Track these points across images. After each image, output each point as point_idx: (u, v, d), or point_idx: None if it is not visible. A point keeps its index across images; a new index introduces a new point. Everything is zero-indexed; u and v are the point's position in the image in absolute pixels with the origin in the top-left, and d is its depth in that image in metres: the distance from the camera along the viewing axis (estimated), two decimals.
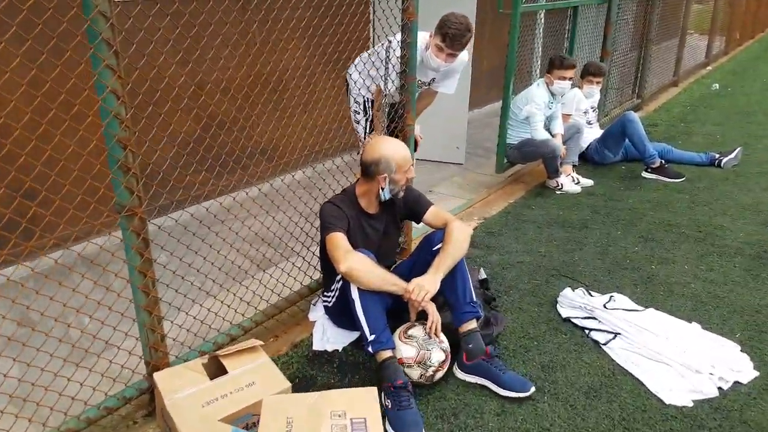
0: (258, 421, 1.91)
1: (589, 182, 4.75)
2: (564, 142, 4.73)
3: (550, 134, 4.68)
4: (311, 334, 2.69)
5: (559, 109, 4.77)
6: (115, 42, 1.78)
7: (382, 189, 2.50)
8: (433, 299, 2.53)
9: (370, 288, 2.29)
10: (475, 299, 2.51)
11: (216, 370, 2.16)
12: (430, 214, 2.64)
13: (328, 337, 2.65)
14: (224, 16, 3.49)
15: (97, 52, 1.76)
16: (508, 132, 4.65)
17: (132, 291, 2.05)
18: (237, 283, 2.61)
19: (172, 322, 2.25)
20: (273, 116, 4.22)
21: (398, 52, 3.08)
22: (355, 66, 3.49)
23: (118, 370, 2.11)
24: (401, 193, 2.56)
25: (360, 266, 2.27)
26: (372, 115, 3.52)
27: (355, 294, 2.31)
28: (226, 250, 2.53)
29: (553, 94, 4.56)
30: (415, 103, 3.76)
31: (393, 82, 3.19)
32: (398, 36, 3.06)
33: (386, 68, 3.15)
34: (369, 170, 2.49)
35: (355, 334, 2.63)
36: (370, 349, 2.30)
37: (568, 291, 3.00)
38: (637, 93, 7.20)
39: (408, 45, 3.03)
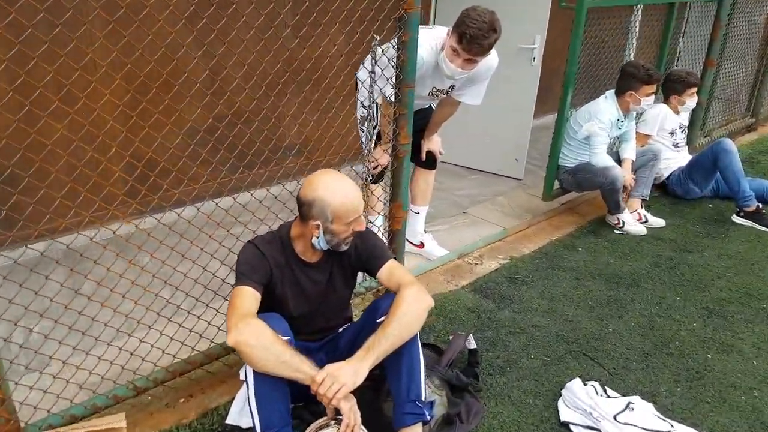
0: None
1: (659, 222, 3.86)
2: (634, 171, 3.87)
3: (618, 160, 3.83)
4: (233, 399, 2.17)
5: (633, 129, 3.90)
6: None
7: (316, 237, 1.91)
8: (376, 384, 1.95)
9: (266, 372, 1.72)
10: (423, 397, 1.88)
11: None
12: (384, 272, 2.01)
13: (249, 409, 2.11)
14: None
15: None
16: (563, 152, 3.85)
17: None
18: (142, 327, 2.12)
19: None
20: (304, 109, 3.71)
21: (390, 53, 2.44)
22: (364, 63, 2.89)
23: None
24: (344, 246, 1.95)
25: (253, 341, 1.69)
26: (378, 124, 2.91)
27: (250, 376, 1.76)
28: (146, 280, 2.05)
29: (625, 111, 3.71)
30: (434, 112, 3.14)
31: (381, 89, 2.55)
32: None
33: (372, 72, 2.51)
34: (302, 211, 1.90)
35: None
36: None
37: (577, 384, 2.27)
38: (752, 111, 6.00)
39: (404, 44, 2.39)
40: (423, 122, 3.09)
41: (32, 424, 1.83)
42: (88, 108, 2.27)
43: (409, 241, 3.42)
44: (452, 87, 2.90)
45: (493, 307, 2.88)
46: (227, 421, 2.08)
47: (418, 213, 3.36)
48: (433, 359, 2.34)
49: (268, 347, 1.69)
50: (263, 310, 1.97)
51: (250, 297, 1.82)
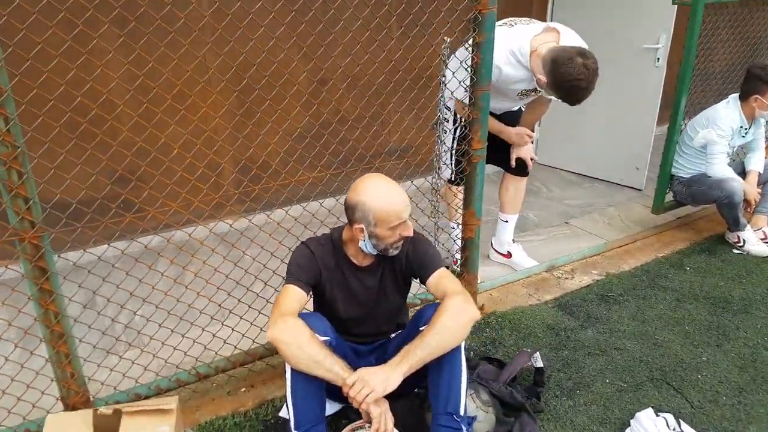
0: None
1: None
2: (762, 184, 3.44)
3: (742, 171, 3.43)
4: None
5: (762, 138, 3.47)
6: None
7: (362, 241, 1.91)
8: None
9: (300, 369, 1.75)
10: (461, 411, 1.81)
11: (112, 425, 1.85)
12: (433, 280, 1.96)
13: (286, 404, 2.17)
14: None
15: None
16: (677, 161, 3.52)
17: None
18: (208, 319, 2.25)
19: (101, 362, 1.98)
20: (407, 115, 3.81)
21: (462, 54, 2.38)
22: (449, 64, 2.84)
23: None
24: (393, 251, 1.94)
25: (288, 338, 1.73)
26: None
27: (288, 372, 1.80)
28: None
29: (750, 118, 3.31)
30: (523, 114, 3.01)
31: (452, 92, 2.49)
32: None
33: (443, 75, 2.45)
34: (347, 214, 1.92)
35: (334, 407, 2.12)
36: None
37: (647, 414, 2.06)
38: None
39: (479, 46, 2.32)
40: (511, 125, 2.98)
41: (100, 398, 2.02)
42: (198, 106, 2.49)
43: (495, 251, 3.32)
44: None
45: (575, 325, 2.70)
46: (280, 414, 2.16)
47: (507, 222, 3.25)
48: (492, 373, 2.24)
49: (302, 346, 1.72)
50: (317, 310, 2.03)
51: (294, 295, 1.86)
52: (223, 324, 2.22)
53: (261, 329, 2.29)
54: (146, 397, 2.08)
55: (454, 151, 2.82)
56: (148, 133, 2.32)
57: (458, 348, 1.83)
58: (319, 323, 1.84)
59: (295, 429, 1.79)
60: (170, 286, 2.07)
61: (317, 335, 1.78)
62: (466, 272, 2.70)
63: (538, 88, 2.64)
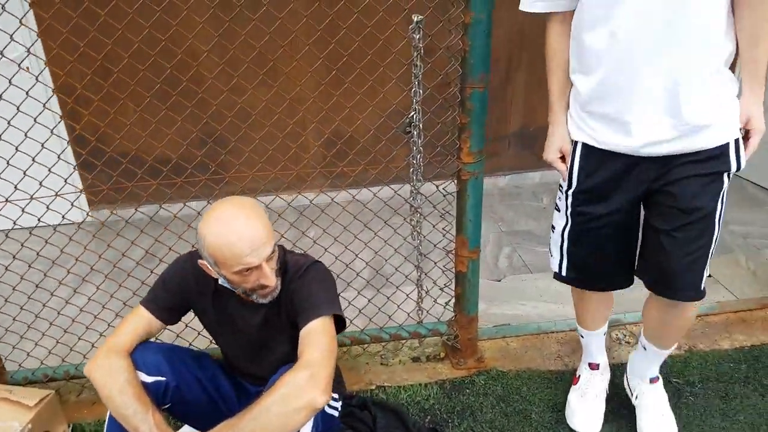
0: None
1: None
2: None
3: None
4: None
5: None
6: None
7: (219, 279, 1.55)
8: None
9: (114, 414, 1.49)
10: None
11: None
12: (303, 332, 1.51)
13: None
14: None
15: None
16: None
17: None
18: None
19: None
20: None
21: None
22: None
23: None
24: (259, 298, 1.53)
25: (101, 381, 1.46)
26: None
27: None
28: None
29: None
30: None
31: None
32: None
33: (414, 64, 1.83)
34: None
35: None
36: None
37: None
38: None
39: (466, 27, 1.71)
40: None
41: (11, 371, 2.02)
42: (291, 83, 2.50)
43: None
44: None
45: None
46: None
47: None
48: None
49: (111, 395, 1.45)
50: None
51: (139, 323, 1.58)
52: None
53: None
54: (52, 380, 2.05)
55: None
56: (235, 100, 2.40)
57: None
58: (154, 358, 1.55)
59: None
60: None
61: (144, 375, 1.51)
62: (458, 313, 2.14)
63: None
